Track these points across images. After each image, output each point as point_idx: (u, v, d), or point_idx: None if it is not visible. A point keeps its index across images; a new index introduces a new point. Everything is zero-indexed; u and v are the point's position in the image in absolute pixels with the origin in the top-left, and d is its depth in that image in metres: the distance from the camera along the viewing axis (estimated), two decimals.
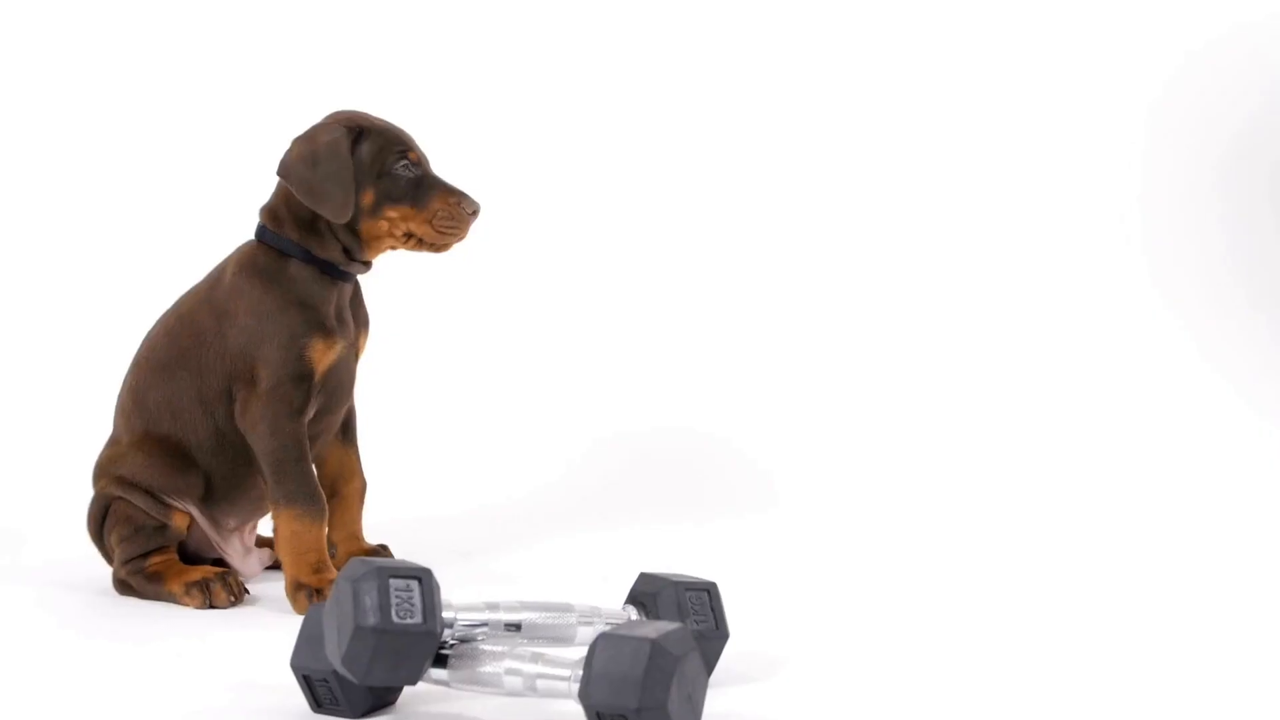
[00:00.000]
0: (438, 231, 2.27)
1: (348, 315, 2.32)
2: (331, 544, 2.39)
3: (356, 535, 2.42)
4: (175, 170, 3.33)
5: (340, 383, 2.32)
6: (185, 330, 2.29)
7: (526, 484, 2.99)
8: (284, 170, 2.26)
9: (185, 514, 2.29)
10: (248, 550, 2.38)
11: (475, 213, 2.29)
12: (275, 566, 2.40)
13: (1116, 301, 3.27)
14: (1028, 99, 3.35)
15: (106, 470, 2.31)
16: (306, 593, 2.19)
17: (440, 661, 1.73)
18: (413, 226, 2.28)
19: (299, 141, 2.27)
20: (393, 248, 2.31)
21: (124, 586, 2.31)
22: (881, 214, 3.35)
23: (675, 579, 1.86)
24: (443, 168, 2.38)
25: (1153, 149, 3.35)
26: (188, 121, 3.36)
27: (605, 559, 2.48)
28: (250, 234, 2.35)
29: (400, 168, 2.27)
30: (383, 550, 2.44)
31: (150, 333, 2.37)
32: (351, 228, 2.27)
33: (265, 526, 2.42)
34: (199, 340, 2.27)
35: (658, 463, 3.05)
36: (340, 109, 2.33)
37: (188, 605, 2.24)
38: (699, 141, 3.37)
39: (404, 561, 1.70)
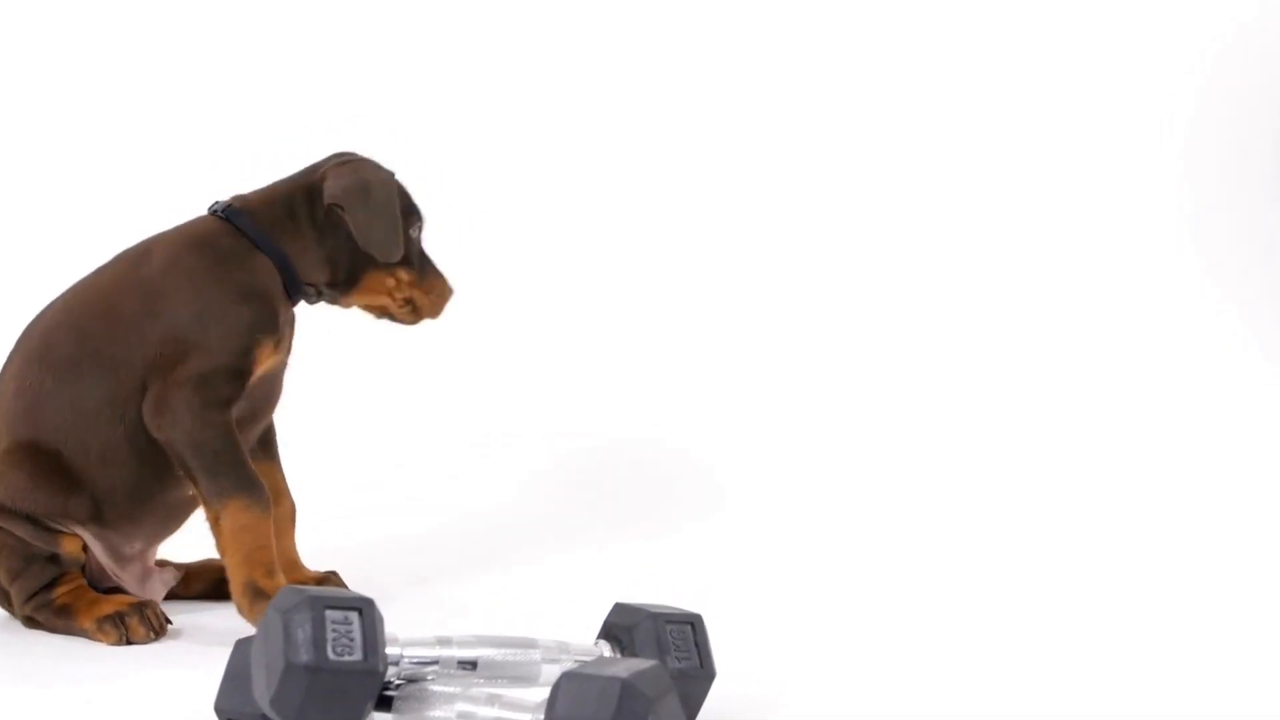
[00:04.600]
0: (430, 307, 2.34)
1: (288, 331, 2.26)
2: None
3: (295, 562, 2.33)
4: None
5: (268, 393, 2.25)
6: (98, 319, 2.17)
7: (490, 502, 2.95)
8: (338, 198, 2.23)
9: (76, 537, 2.17)
10: (148, 573, 2.26)
11: (450, 298, 2.36)
12: (182, 597, 2.31)
13: (1160, 285, 3.35)
14: (1071, 72, 3.45)
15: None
16: (265, 599, 2.09)
17: (384, 704, 1.67)
18: (414, 295, 2.32)
19: (346, 170, 2.25)
20: (371, 306, 2.32)
21: (30, 622, 2.20)
22: (889, 203, 3.41)
23: (654, 610, 1.80)
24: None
25: (1198, 127, 3.45)
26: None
27: (578, 586, 2.44)
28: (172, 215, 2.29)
29: (414, 230, 2.32)
30: (331, 578, 2.34)
31: (42, 321, 2.23)
32: (353, 269, 2.26)
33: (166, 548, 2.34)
34: (116, 328, 2.16)
35: (637, 480, 3.03)
36: (348, 151, 2.32)
37: (101, 642, 2.13)
38: (658, 144, 3.42)
39: (342, 591, 1.65)
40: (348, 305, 2.32)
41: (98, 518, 2.17)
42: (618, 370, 3.24)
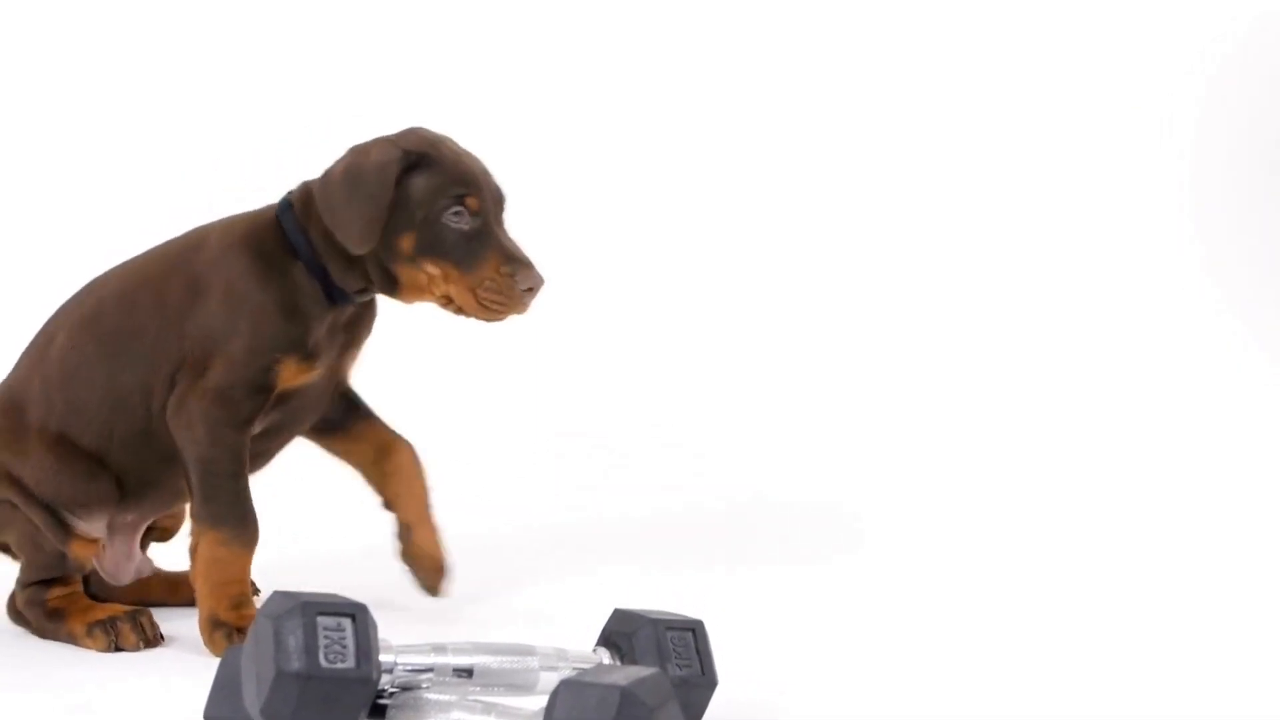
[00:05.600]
0: (479, 303, 2.09)
1: (337, 337, 2.15)
2: (409, 528, 2.22)
3: (424, 517, 2.23)
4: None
5: (305, 404, 2.16)
6: (149, 299, 2.12)
7: (487, 505, 2.89)
8: (323, 181, 2.10)
9: (89, 543, 2.14)
10: (130, 555, 2.22)
11: (532, 290, 2.10)
12: (171, 604, 2.25)
13: (1172, 297, 3.37)
14: (1071, 72, 3.48)
15: (9, 467, 2.13)
16: (225, 632, 2.05)
17: (378, 713, 1.65)
18: (453, 291, 2.10)
19: (351, 152, 2.11)
20: (431, 303, 2.14)
21: (17, 616, 2.17)
22: (889, 204, 3.43)
23: (654, 616, 1.77)
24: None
25: (1200, 127, 3.48)
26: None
27: (577, 591, 2.40)
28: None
29: (450, 216, 2.08)
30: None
31: (101, 286, 2.18)
32: (386, 268, 2.10)
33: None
34: (160, 310, 2.10)
35: (637, 482, 3.00)
36: (420, 125, 2.16)
37: (90, 648, 2.09)
38: (714, 155, 3.43)
39: (334, 596, 1.62)
40: (409, 301, 2.16)
41: (121, 500, 2.14)
42: (618, 371, 3.24)
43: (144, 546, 2.28)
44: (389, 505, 2.24)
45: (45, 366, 2.16)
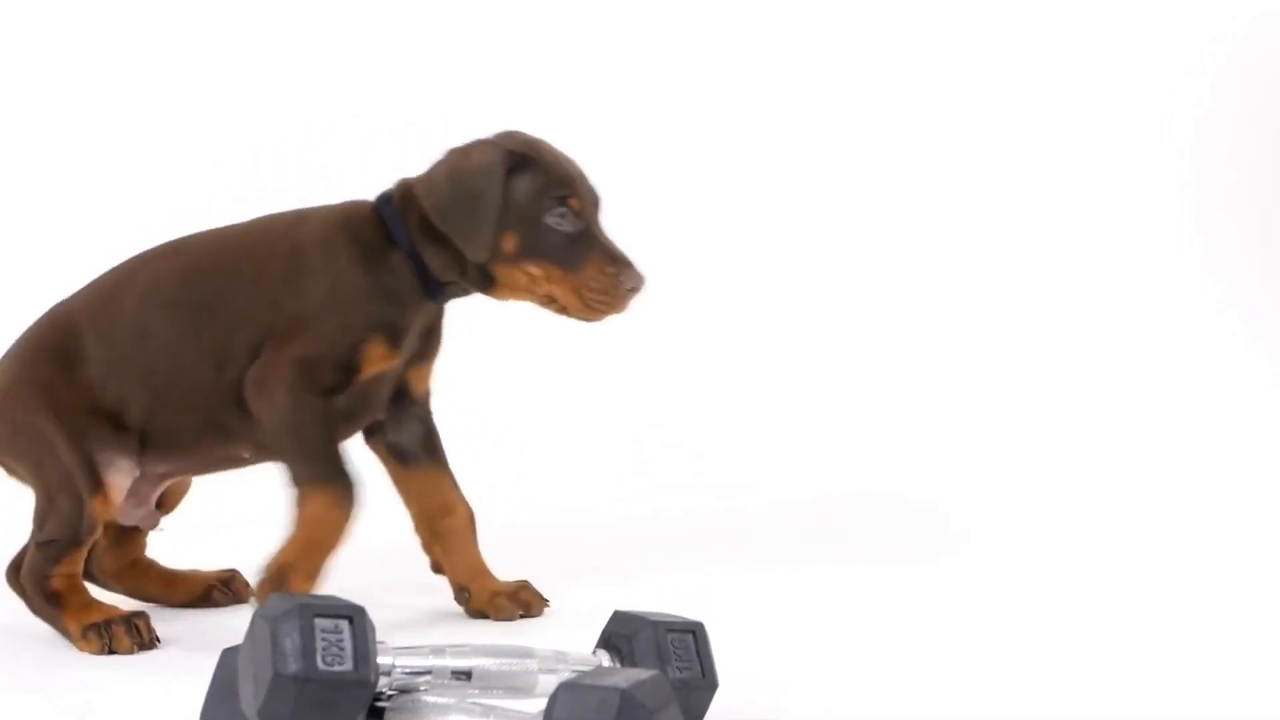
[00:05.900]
0: (585, 304, 2.11)
1: (415, 334, 2.16)
2: (464, 589, 2.22)
3: (482, 569, 2.23)
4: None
5: (371, 396, 2.15)
6: (246, 260, 2.12)
7: (484, 506, 2.85)
8: (426, 183, 2.11)
9: (108, 504, 2.10)
10: (141, 500, 2.19)
11: (635, 290, 2.11)
12: (167, 604, 2.25)
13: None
14: (1072, 73, 3.50)
15: (57, 390, 2.11)
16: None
17: (375, 715, 1.63)
18: (556, 291, 2.11)
19: (452, 154, 2.13)
20: (530, 302, 2.15)
21: (15, 584, 2.14)
22: (884, 204, 3.45)
23: (654, 618, 1.76)
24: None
25: (1200, 127, 3.50)
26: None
27: (575, 593, 2.37)
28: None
29: (555, 217, 2.10)
30: (523, 590, 2.24)
31: (196, 243, 2.17)
32: (483, 266, 2.11)
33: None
34: (257, 276, 2.10)
35: (635, 483, 2.99)
36: (515, 129, 2.17)
37: (83, 650, 2.07)
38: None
39: (332, 598, 1.60)
40: (503, 299, 2.17)
41: (146, 453, 2.13)
42: (618, 371, 3.23)
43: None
44: (437, 568, 2.25)
45: (121, 301, 2.14)
